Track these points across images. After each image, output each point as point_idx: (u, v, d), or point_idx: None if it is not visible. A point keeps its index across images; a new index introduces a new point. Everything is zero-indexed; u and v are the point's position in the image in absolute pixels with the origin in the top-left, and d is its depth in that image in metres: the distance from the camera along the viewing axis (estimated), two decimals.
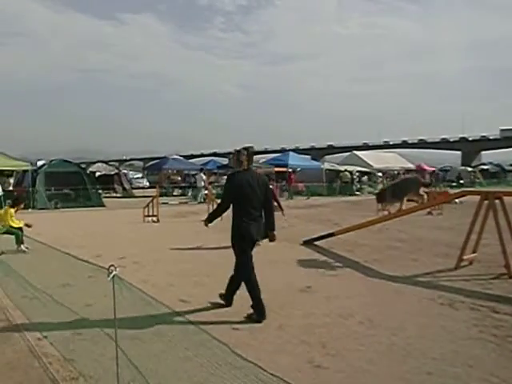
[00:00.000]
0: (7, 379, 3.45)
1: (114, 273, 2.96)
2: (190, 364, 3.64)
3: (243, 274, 5.08)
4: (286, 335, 4.43)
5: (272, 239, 5.30)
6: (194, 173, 33.96)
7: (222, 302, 5.35)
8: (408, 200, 10.22)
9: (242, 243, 5.02)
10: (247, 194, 4.99)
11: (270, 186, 5.55)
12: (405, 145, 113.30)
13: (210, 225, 5.45)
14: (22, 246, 7.97)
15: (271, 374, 3.40)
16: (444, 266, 7.41)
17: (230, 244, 5.08)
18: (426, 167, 40.33)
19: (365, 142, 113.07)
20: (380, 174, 37.11)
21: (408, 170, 39.66)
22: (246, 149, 5.27)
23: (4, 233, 8.09)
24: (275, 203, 9.90)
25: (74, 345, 4.02)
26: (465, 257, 7.34)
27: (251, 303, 4.95)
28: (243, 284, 5.10)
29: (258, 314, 4.92)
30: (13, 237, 8.09)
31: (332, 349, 4.06)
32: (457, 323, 4.76)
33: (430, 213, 15.60)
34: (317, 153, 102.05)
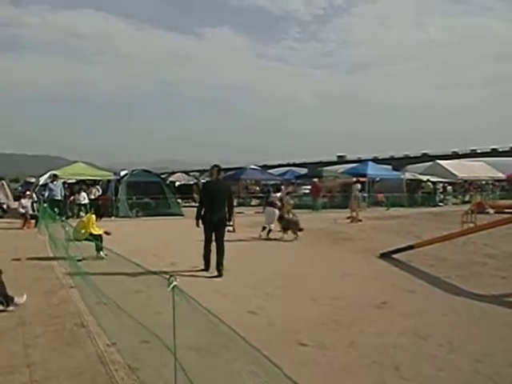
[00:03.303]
0: (74, 383, 3.53)
1: (174, 283, 2.91)
2: (255, 380, 3.50)
3: (204, 243, 7.79)
4: (356, 354, 4.17)
5: (229, 224, 8.42)
6: (271, 183, 34.07)
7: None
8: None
9: (206, 227, 7.76)
10: (213, 196, 7.75)
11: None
12: (495, 153, 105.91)
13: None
14: (101, 253, 8.29)
15: None
16: None
17: (308, 254, 4.95)
18: None
19: (454, 150, 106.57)
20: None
21: (497, 180, 37.09)
22: (216, 166, 8.08)
23: (85, 239, 8.47)
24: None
25: (140, 353, 4.05)
26: None
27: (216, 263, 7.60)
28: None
29: (205, 266, 7.79)
30: (92, 243, 8.44)
31: (406, 372, 3.74)
32: None
33: None
34: (399, 163, 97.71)
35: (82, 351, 4.18)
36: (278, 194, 13.64)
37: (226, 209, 7.86)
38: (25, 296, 5.57)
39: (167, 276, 3.13)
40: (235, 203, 15.86)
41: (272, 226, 12.56)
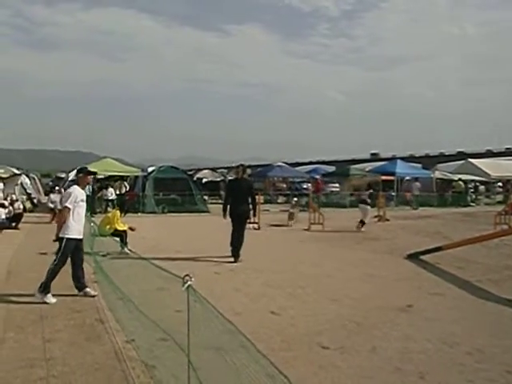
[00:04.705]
0: (91, 379, 3.51)
1: (189, 283, 2.83)
2: (271, 381, 3.41)
3: (232, 234, 8.59)
4: (378, 359, 4.02)
5: (252, 216, 9.19)
6: (298, 180, 33.77)
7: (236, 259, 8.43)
8: None
9: (232, 219, 8.69)
10: (237, 193, 8.83)
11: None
12: None
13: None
14: (125, 249, 8.33)
15: None
16: None
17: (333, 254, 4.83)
18: None
19: (488, 148, 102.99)
20: (500, 184, 33.93)
21: None
22: (242, 165, 9.35)
23: (110, 235, 8.53)
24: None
25: (158, 351, 4.01)
26: None
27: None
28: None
29: (233, 256, 8.44)
30: (117, 239, 8.49)
31: (432, 381, 3.56)
32: None
33: None
34: (434, 161, 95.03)
35: (100, 347, 4.17)
36: (368, 192, 15.71)
37: (250, 205, 8.80)
38: (55, 300, 5.62)
39: (182, 275, 3.05)
40: (262, 200, 15.90)
41: (367, 219, 13.98)
